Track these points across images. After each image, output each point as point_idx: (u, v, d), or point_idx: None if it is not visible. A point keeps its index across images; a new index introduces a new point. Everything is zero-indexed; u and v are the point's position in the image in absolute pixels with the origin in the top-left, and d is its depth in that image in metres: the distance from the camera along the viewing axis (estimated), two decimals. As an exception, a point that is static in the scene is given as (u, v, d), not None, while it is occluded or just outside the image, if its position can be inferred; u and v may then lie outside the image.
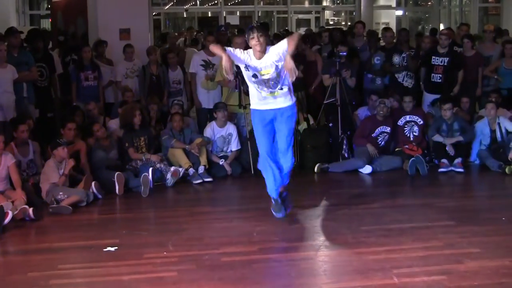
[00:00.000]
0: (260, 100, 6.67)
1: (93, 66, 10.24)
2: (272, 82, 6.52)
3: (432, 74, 10.55)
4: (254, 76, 6.51)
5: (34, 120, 9.15)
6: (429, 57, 10.62)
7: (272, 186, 6.81)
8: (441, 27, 20.33)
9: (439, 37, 10.84)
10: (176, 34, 16.28)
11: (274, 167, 6.75)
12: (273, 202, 6.91)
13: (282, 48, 6.37)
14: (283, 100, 6.65)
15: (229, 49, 6.49)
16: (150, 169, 8.35)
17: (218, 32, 11.51)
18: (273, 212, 6.93)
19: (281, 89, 6.59)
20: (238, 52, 6.49)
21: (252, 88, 6.68)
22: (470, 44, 10.82)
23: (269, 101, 6.63)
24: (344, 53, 9.99)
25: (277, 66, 6.42)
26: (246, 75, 6.59)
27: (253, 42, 6.40)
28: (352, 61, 10.65)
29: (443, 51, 10.51)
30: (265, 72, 6.46)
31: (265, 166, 6.80)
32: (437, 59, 10.49)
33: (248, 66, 6.49)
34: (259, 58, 6.45)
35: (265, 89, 6.56)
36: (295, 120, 6.91)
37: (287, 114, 6.70)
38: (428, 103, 10.59)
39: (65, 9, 13.23)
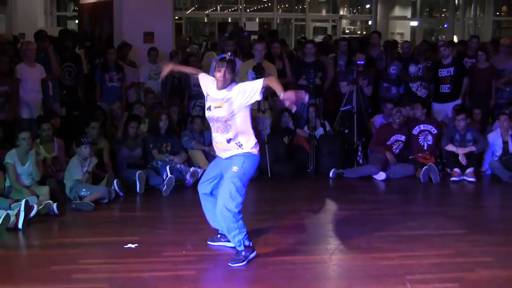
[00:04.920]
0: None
1: (117, 68, 10.44)
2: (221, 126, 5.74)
3: (441, 86, 10.66)
4: (209, 108, 5.78)
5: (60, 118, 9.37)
6: (436, 71, 10.71)
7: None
8: (455, 39, 20.47)
9: (438, 49, 10.86)
10: (188, 38, 16.24)
11: None
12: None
13: (251, 88, 5.57)
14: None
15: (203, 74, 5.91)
16: (168, 167, 8.51)
17: (240, 37, 11.66)
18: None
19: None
20: (205, 79, 5.86)
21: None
22: (484, 56, 10.88)
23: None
24: (362, 62, 10.14)
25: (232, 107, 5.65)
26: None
27: (217, 75, 5.61)
28: (369, 69, 10.77)
29: (447, 62, 10.62)
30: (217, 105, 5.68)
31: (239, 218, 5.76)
32: (444, 71, 10.60)
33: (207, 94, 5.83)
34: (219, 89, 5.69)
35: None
36: None
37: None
38: (436, 113, 10.69)
39: (92, 12, 13.40)
